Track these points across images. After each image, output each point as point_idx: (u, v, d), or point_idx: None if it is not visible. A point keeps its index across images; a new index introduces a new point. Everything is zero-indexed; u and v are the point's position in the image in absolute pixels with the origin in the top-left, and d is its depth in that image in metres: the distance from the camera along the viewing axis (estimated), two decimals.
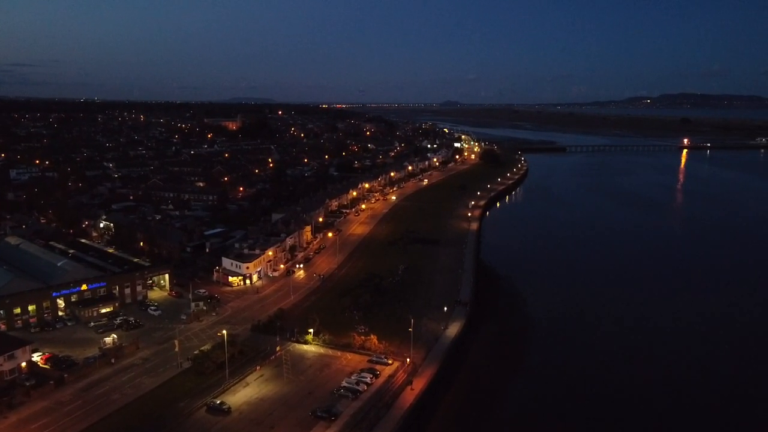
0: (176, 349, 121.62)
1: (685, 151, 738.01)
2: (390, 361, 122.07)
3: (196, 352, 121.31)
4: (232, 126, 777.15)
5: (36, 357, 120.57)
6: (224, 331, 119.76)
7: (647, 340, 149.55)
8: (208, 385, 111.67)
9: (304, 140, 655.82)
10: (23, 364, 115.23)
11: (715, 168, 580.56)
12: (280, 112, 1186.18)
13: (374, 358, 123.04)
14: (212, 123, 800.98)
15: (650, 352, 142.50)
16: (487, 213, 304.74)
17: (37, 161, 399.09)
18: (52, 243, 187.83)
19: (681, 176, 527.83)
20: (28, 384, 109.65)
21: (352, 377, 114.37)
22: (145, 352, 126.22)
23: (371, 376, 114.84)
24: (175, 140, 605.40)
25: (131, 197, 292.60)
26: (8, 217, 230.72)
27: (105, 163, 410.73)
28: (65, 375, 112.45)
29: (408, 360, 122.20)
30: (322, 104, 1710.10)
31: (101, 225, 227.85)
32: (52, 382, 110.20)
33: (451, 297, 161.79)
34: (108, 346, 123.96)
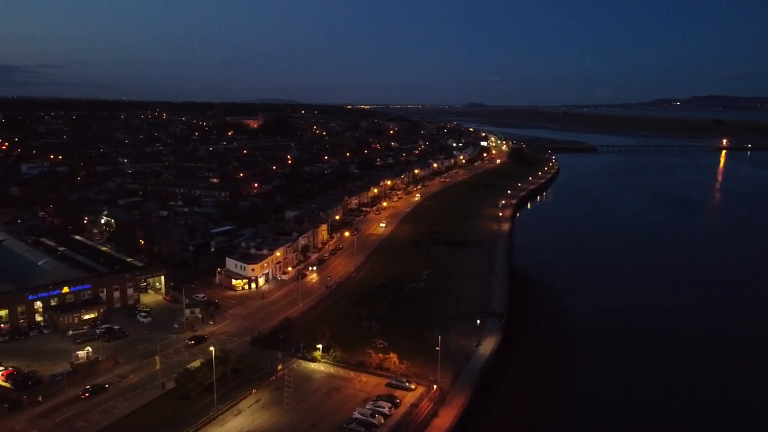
0: (157, 367, 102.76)
1: (723, 152, 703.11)
2: (412, 386, 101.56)
3: (183, 369, 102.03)
4: (254, 124, 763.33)
5: None
6: (212, 348, 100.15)
7: (708, 357, 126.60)
8: (192, 412, 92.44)
9: (326, 138, 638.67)
10: None
11: (758, 169, 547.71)
12: (302, 112, 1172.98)
13: (394, 382, 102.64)
14: (233, 121, 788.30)
15: (712, 371, 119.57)
16: (518, 214, 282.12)
17: (51, 156, 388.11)
18: (42, 240, 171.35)
19: (721, 176, 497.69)
20: None
21: (367, 406, 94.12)
22: (125, 368, 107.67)
23: (390, 405, 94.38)
24: (194, 137, 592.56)
25: (140, 193, 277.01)
26: (4, 211, 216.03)
27: (120, 159, 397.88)
28: (24, 396, 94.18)
29: (435, 386, 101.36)
30: (345, 105, 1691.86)
31: (102, 221, 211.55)
32: (6, 405, 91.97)
33: (483, 307, 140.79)
34: (80, 360, 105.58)
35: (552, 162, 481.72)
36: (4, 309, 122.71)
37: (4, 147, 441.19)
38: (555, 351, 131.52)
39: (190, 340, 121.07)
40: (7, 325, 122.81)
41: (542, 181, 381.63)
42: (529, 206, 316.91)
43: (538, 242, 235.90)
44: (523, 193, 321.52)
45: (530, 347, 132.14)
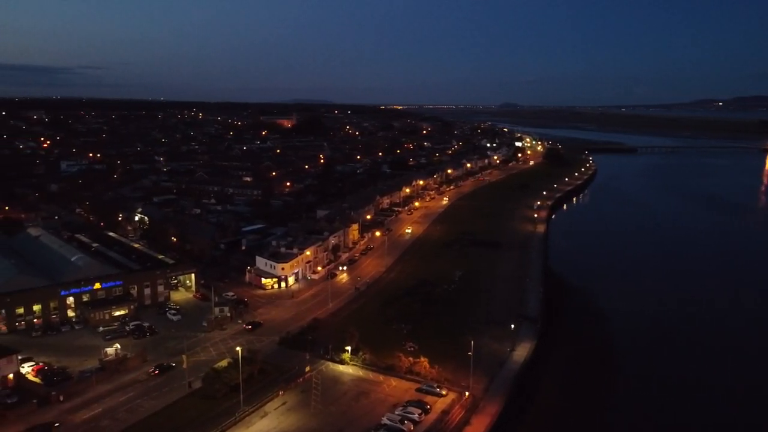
0: (184, 366, 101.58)
1: None
2: (444, 392, 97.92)
3: (209, 369, 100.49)
4: (287, 124, 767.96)
5: (27, 368, 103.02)
6: (239, 348, 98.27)
7: (760, 371, 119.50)
8: (217, 413, 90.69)
9: (359, 138, 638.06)
10: (10, 376, 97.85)
11: None
12: (336, 112, 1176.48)
13: (424, 387, 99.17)
14: (267, 120, 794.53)
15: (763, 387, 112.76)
16: (553, 215, 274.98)
17: (90, 154, 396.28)
18: (77, 236, 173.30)
19: (767, 179, 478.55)
20: (9, 402, 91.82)
21: (396, 411, 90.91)
22: (152, 366, 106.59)
23: (420, 411, 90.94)
24: (228, 136, 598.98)
25: (174, 190, 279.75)
26: (43, 208, 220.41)
27: (156, 157, 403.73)
28: (53, 393, 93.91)
29: (467, 393, 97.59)
30: (379, 105, 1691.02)
31: (136, 218, 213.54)
32: (35, 401, 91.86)
33: (517, 310, 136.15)
34: (109, 357, 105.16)
35: (589, 163, 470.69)
36: (38, 304, 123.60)
37: (46, 145, 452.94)
38: (592, 359, 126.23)
39: (248, 324, 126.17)
40: (41, 320, 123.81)
41: (579, 182, 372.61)
42: (565, 208, 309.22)
43: (575, 245, 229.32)
44: (558, 195, 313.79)
45: (566, 354, 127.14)
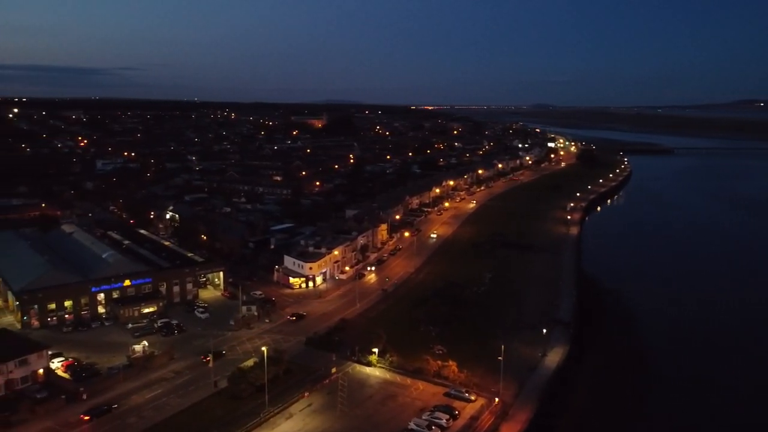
0: (209, 365, 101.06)
1: None
2: (473, 397, 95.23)
3: (235, 369, 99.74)
4: (318, 124, 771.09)
5: (57, 363, 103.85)
6: (264, 348, 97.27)
7: None
8: (242, 413, 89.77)
9: (389, 138, 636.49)
10: (40, 371, 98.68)
11: None
12: (366, 112, 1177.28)
13: (452, 392, 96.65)
14: (298, 120, 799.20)
15: None
16: (587, 217, 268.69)
17: (125, 153, 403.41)
18: (109, 233, 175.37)
19: None
20: (38, 397, 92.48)
21: (424, 417, 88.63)
22: (179, 364, 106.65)
23: (448, 417, 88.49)
24: (260, 136, 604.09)
25: (205, 189, 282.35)
26: (77, 205, 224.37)
27: (188, 156, 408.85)
28: (81, 389, 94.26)
29: (497, 398, 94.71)
30: (410, 106, 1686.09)
31: (167, 216, 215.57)
32: (63, 396, 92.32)
33: (549, 314, 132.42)
34: (137, 354, 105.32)
35: (624, 164, 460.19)
36: (69, 300, 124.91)
37: (83, 144, 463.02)
38: (627, 365, 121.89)
39: (292, 316, 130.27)
40: (72, 316, 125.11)
41: (613, 183, 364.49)
42: (599, 209, 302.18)
43: (609, 247, 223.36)
44: (592, 196, 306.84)
45: (601, 360, 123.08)
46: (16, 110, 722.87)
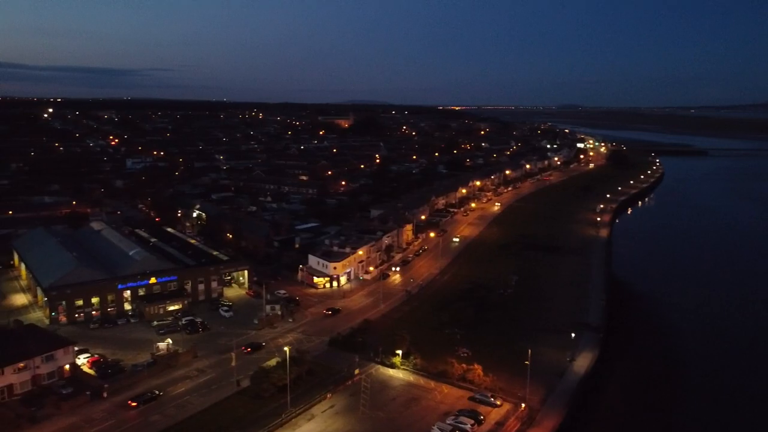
0: (232, 364, 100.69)
1: None
2: (498, 402, 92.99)
3: (257, 368, 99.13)
4: (344, 124, 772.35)
5: (83, 359, 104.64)
6: (286, 348, 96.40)
7: None
8: (264, 413, 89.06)
9: (415, 138, 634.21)
10: (66, 367, 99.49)
11: None
12: (393, 112, 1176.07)
13: (477, 396, 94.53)
14: (324, 120, 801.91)
15: None
16: (617, 219, 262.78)
17: (154, 152, 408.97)
18: (137, 231, 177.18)
19: None
20: (64, 392, 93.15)
21: (447, 421, 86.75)
22: (203, 362, 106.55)
23: (472, 421, 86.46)
24: (287, 136, 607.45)
25: (232, 188, 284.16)
26: (107, 203, 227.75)
27: (216, 156, 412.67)
28: (105, 385, 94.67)
29: (523, 404, 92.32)
30: (436, 106, 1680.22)
31: (194, 214, 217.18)
32: (88, 393, 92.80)
33: (578, 318, 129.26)
34: (161, 351, 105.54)
35: (655, 165, 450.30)
36: (96, 297, 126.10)
37: (114, 143, 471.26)
38: (660, 373, 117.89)
39: (328, 310, 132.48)
40: (98, 313, 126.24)
41: (644, 185, 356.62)
42: (629, 211, 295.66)
43: (641, 250, 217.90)
44: (623, 198, 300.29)
45: (631, 367, 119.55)
46: (51, 110, 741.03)
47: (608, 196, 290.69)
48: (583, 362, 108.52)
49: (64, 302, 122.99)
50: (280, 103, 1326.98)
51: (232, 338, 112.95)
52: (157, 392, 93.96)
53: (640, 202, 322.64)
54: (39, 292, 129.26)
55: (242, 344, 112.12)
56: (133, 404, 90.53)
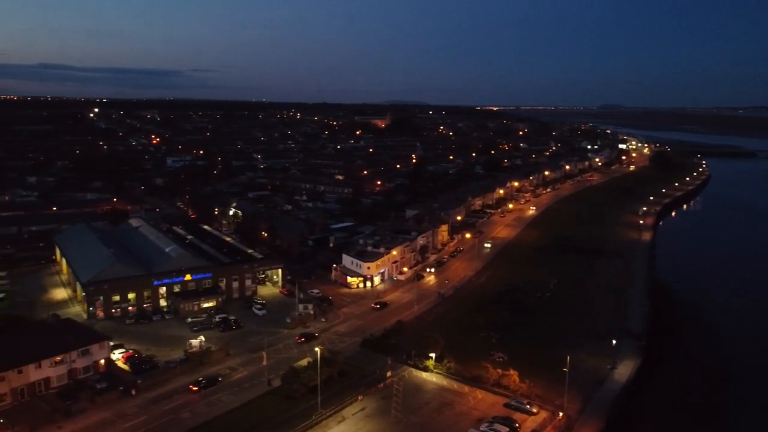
0: (264, 363, 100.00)
1: None
2: (535, 410, 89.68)
3: (288, 368, 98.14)
4: (381, 124, 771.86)
5: (118, 354, 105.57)
6: (317, 348, 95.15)
7: None
8: (294, 414, 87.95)
9: (452, 138, 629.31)
10: (101, 362, 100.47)
11: None
12: (430, 112, 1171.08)
13: (513, 403, 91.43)
14: (361, 120, 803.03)
15: None
16: (661, 222, 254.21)
17: (194, 151, 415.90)
18: (174, 228, 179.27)
19: None
20: (98, 387, 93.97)
21: (481, 427, 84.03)
22: (235, 360, 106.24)
23: (508, 429, 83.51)
24: (323, 136, 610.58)
25: (268, 187, 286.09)
26: (146, 200, 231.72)
27: (254, 155, 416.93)
28: (138, 381, 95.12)
29: (560, 412, 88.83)
30: (474, 107, 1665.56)
31: (230, 212, 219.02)
32: (121, 388, 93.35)
33: (619, 324, 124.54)
34: (193, 349, 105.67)
35: (701, 167, 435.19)
36: (132, 292, 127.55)
37: (155, 142, 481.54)
38: (704, 383, 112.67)
39: (376, 304, 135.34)
40: (134, 308, 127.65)
41: (690, 187, 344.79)
42: (674, 215, 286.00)
43: (685, 255, 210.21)
44: (667, 200, 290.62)
45: (675, 376, 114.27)
46: (96, 110, 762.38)
47: (651, 198, 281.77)
48: (624, 370, 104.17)
49: (101, 297, 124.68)
50: (318, 103, 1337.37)
51: (267, 336, 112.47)
52: (219, 379, 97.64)
53: (685, 205, 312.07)
54: (78, 287, 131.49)
55: (296, 335, 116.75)
56: (194, 388, 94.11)
